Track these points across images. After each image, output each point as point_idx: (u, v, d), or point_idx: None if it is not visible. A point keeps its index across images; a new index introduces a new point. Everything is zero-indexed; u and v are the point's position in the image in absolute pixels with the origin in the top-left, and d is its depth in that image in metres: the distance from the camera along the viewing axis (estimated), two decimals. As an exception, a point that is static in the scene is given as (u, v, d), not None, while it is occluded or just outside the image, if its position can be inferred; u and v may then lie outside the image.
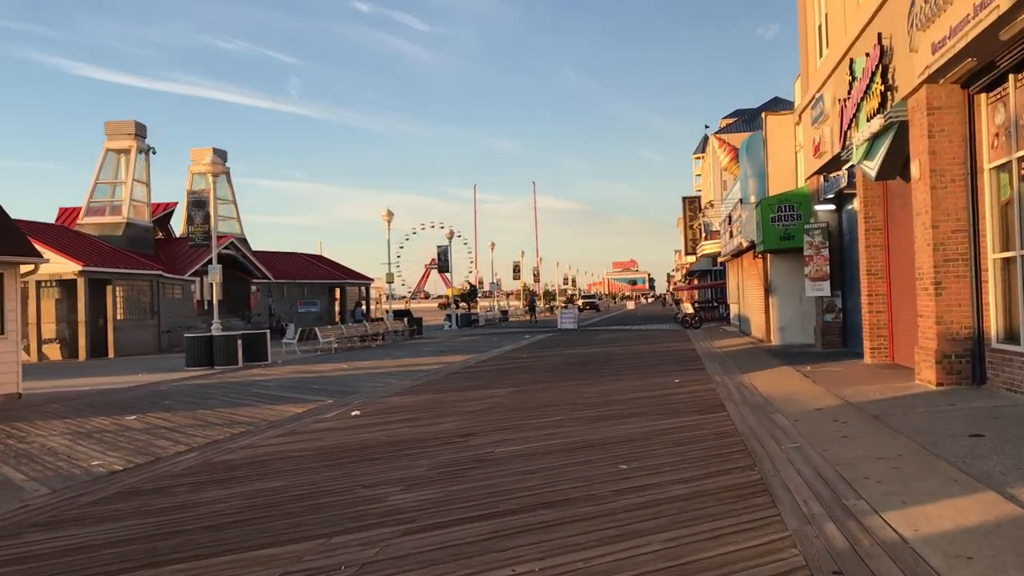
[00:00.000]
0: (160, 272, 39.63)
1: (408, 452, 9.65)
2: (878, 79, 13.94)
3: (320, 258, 64.69)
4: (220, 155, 52.51)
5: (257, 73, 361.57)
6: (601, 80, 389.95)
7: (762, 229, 22.83)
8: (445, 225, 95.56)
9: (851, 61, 15.75)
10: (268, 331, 27.14)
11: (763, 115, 24.81)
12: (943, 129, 12.24)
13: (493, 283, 69.17)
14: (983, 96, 11.88)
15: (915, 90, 12.56)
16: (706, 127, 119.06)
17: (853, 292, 20.27)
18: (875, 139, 14.69)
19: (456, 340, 37.35)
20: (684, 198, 62.77)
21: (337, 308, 60.79)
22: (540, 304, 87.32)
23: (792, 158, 24.64)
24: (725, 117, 64.49)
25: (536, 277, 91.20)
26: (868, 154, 15.10)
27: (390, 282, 43.34)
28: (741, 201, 25.73)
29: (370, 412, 13.43)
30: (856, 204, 17.56)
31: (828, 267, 21.03)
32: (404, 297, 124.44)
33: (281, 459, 9.62)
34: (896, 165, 14.68)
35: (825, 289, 21.12)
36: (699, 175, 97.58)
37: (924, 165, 12.48)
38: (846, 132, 16.39)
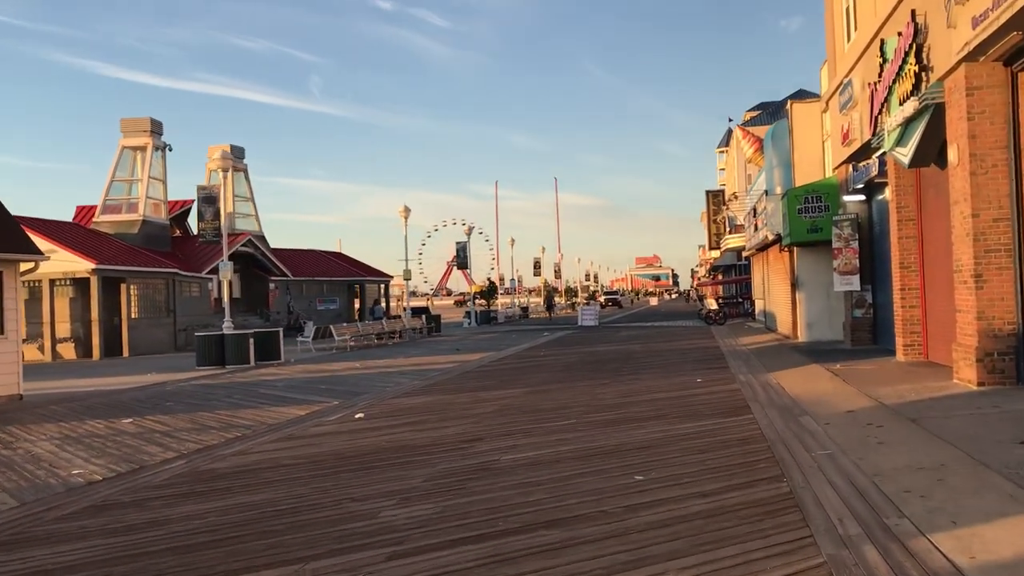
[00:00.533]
0: (176, 270, 39.29)
1: (407, 460, 8.98)
2: (912, 59, 13.10)
3: (339, 255, 64.34)
4: (237, 152, 52.26)
5: (279, 71, 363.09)
6: (623, 75, 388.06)
7: (788, 221, 21.98)
8: (466, 222, 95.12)
9: (882, 42, 14.91)
10: (281, 329, 26.62)
11: (789, 103, 23.94)
12: (983, 111, 11.40)
13: (513, 279, 68.45)
14: (1028, 74, 11.05)
15: (952, 69, 11.73)
16: (730, 120, 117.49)
17: (884, 287, 19.42)
18: (908, 124, 13.85)
19: (474, 338, 36.71)
20: (708, 192, 61.75)
21: (357, 305, 60.41)
22: (561, 300, 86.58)
23: (819, 148, 23.75)
24: (749, 110, 63.41)
25: (557, 273, 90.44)
26: (901, 140, 14.26)
27: (408, 279, 42.68)
28: (766, 192, 24.87)
29: (375, 415, 12.78)
30: (887, 194, 16.71)
31: (858, 260, 20.16)
32: (427, 294, 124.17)
33: (271, 468, 8.98)
34: (931, 151, 13.83)
35: (855, 283, 20.26)
36: (723, 169, 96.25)
37: (963, 150, 11.65)
38: (877, 117, 15.55)
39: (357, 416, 12.58)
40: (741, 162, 46.04)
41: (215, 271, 46.23)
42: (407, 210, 41.33)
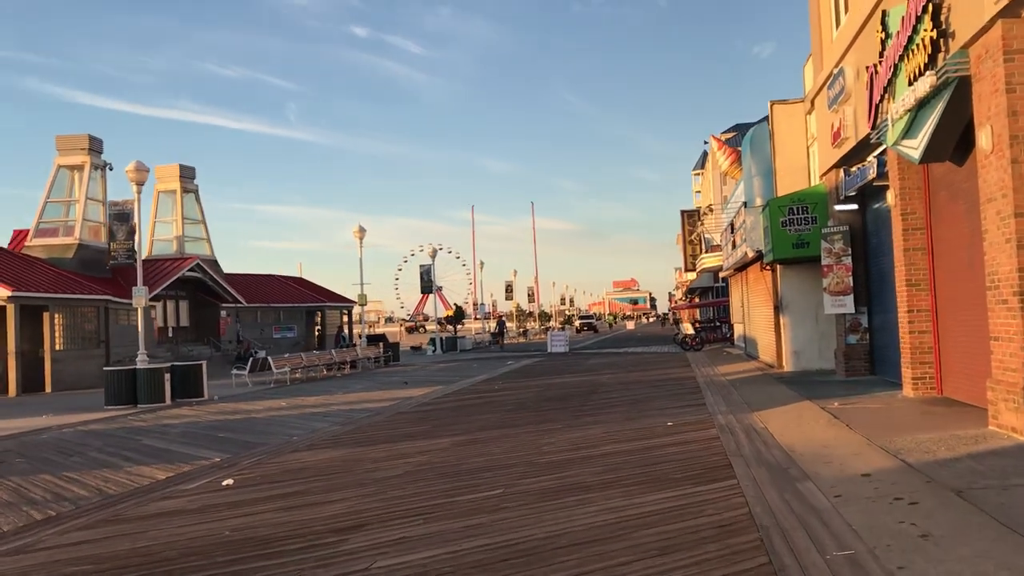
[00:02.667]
0: (109, 297, 36.17)
1: (237, 568, 6.18)
2: (926, 24, 10.55)
3: (300, 280, 61.33)
4: (188, 172, 49.52)
5: (255, 98, 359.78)
6: (597, 101, 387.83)
7: (771, 235, 19.40)
8: (441, 246, 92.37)
9: (883, 14, 12.39)
10: (205, 363, 23.67)
11: (769, 104, 21.45)
12: (1027, 80, 8.86)
13: (482, 304, 65.66)
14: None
15: (983, 31, 9.20)
16: (705, 143, 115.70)
17: (882, 308, 16.86)
18: (920, 109, 11.31)
19: (432, 368, 33.86)
20: (683, 211, 59.33)
21: (318, 332, 57.40)
22: (535, 325, 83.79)
23: (803, 153, 21.26)
24: (724, 131, 61.20)
25: (531, 298, 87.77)
26: (909, 130, 11.71)
27: (363, 304, 39.87)
28: (745, 205, 22.33)
29: (250, 480, 9.95)
30: (889, 199, 14.16)
31: (851, 278, 17.60)
32: (403, 320, 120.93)
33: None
34: (948, 141, 11.29)
35: (848, 305, 17.68)
36: (699, 191, 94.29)
37: (999, 132, 9.08)
38: (877, 106, 13.01)
39: (225, 483, 9.73)
40: (717, 178, 43.73)
41: (160, 298, 43.37)
42: (362, 230, 38.61)
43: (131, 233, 25.64)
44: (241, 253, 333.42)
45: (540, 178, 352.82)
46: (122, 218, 27.25)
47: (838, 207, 17.84)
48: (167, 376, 21.90)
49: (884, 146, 14.16)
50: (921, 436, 9.70)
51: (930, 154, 11.40)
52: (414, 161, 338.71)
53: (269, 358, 28.28)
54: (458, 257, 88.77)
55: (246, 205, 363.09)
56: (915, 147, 11.45)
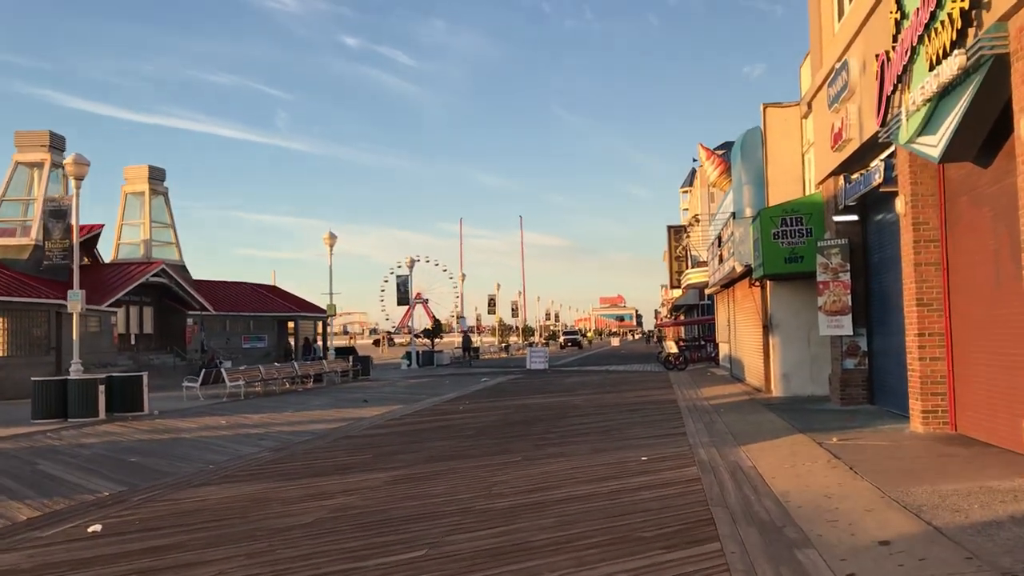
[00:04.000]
0: (61, 301, 34.13)
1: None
2: (954, -5, 8.91)
3: (273, 289, 59.25)
4: (157, 173, 47.69)
5: (245, 107, 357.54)
6: (587, 117, 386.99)
7: (761, 248, 17.74)
8: (429, 258, 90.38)
9: (898, -7, 10.77)
10: (145, 375, 21.73)
11: (762, 108, 19.82)
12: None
13: (462, 318, 63.83)
14: None
15: (1028, -3, 7.57)
16: (694, 160, 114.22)
17: (884, 330, 15.22)
18: (941, 98, 9.68)
19: (401, 383, 32.01)
20: (669, 227, 57.79)
21: (292, 343, 55.44)
22: (518, 340, 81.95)
23: (798, 162, 19.64)
24: (715, 149, 59.77)
25: (515, 312, 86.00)
26: (927, 125, 10.08)
27: (331, 314, 37.98)
28: (734, 215, 20.65)
29: (121, 526, 8.14)
30: (898, 207, 12.49)
31: (850, 297, 15.96)
32: (388, 332, 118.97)
33: None
34: (976, 136, 9.65)
35: (845, 326, 16.03)
36: (687, 209, 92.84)
37: (1048, 118, 7.43)
38: (888, 98, 11.38)
39: (91, 530, 7.90)
40: (706, 194, 42.25)
41: (121, 303, 41.37)
42: (332, 237, 36.81)
43: (67, 231, 23.70)
44: (227, 261, 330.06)
45: (530, 192, 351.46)
46: (58, 215, 25.34)
47: (836, 218, 16.20)
48: (101, 388, 20.00)
49: (893, 147, 12.56)
50: (945, 487, 7.99)
51: (952, 152, 9.76)
52: (404, 172, 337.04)
53: (223, 370, 26.37)
54: (445, 270, 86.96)
55: (234, 213, 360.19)
56: (934, 144, 9.82)
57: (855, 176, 15.21)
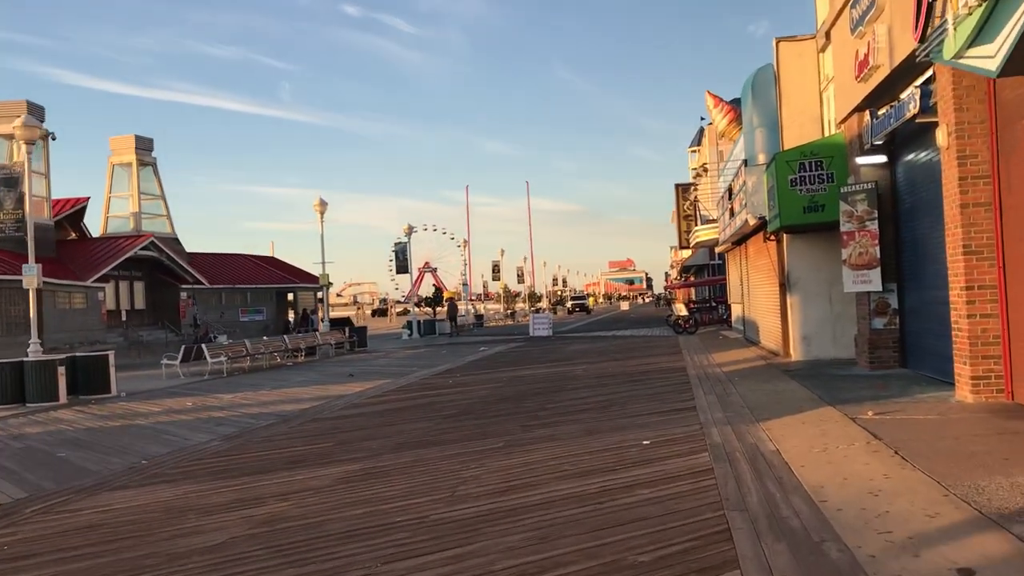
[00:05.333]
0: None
1: None
2: None
3: (271, 260, 57.64)
4: (144, 143, 45.99)
5: (248, 78, 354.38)
6: (593, 79, 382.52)
7: (777, 197, 15.94)
8: (436, 226, 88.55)
9: None
10: (112, 353, 20.12)
11: (774, 43, 17.88)
12: None
13: (465, 285, 62.10)
14: None
15: None
16: (702, 119, 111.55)
17: (918, 284, 13.47)
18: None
19: (397, 355, 30.39)
20: (677, 185, 55.75)
21: (292, 315, 53.92)
22: (524, 306, 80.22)
23: (815, 100, 17.75)
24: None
25: (520, 278, 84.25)
26: (981, 33, 8.24)
27: (326, 284, 36.33)
28: (745, 163, 18.80)
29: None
30: (939, 139, 10.63)
31: (878, 248, 14.19)
32: (397, 301, 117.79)
33: None
34: (1046, 41, 7.81)
35: (874, 281, 14.28)
36: (695, 168, 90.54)
37: None
38: (931, 5, 9.51)
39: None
40: (715, 150, 40.22)
41: (107, 278, 39.81)
42: (323, 203, 35.04)
43: (20, 201, 22.04)
44: (235, 235, 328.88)
45: (537, 158, 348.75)
46: (9, 183, 23.58)
47: (862, 160, 14.37)
48: (61, 370, 18.42)
49: (931, 71, 10.74)
50: (1021, 478, 6.30)
51: (1014, 64, 7.96)
52: (407, 141, 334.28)
53: (204, 347, 24.78)
54: (452, 237, 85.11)
55: (241, 187, 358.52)
56: (991, 55, 8.00)
57: (883, 110, 13.36)
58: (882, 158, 14.16)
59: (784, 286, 18.13)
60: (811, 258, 17.37)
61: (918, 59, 9.99)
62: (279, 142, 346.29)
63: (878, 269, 14.22)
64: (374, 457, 9.57)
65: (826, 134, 17.01)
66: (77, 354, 20.63)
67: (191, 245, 50.99)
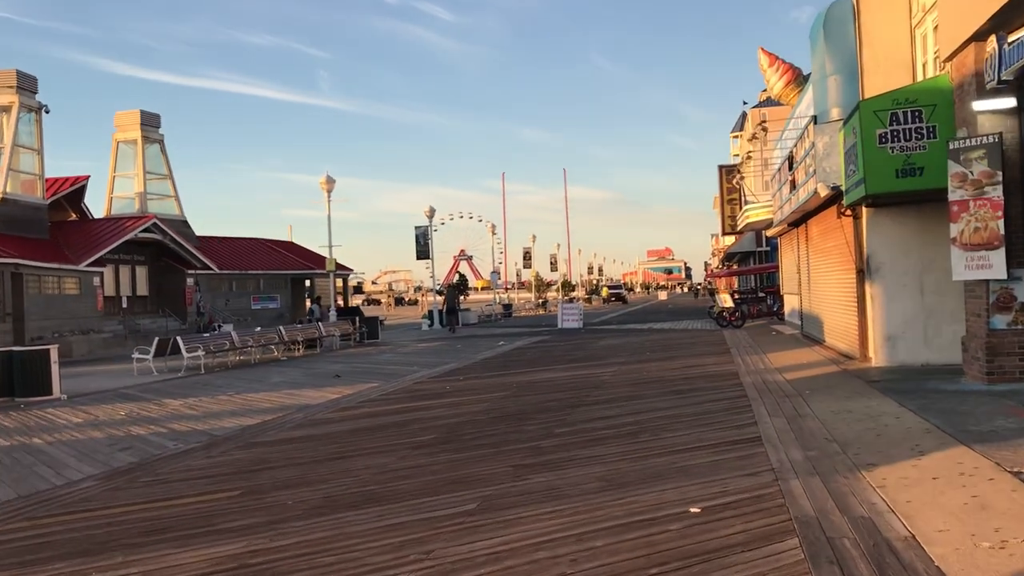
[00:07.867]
0: (18, 260, 29.86)
1: None
2: None
3: (289, 245, 54.70)
4: (151, 119, 43.19)
5: (286, 67, 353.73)
6: (632, 67, 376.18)
7: (861, 158, 12.34)
8: (472, 214, 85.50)
9: None
10: (53, 348, 17.08)
11: (853, -33, 14.23)
12: None
13: (494, 273, 58.72)
14: None
15: None
16: (744, 103, 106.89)
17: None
18: None
19: (407, 348, 27.18)
20: (721, 167, 51.75)
21: (308, 303, 50.99)
22: (557, 296, 76.70)
23: (906, 39, 14.12)
24: (764, 90, 53.31)
25: (553, 266, 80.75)
26: None
27: (332, 270, 33.19)
28: (815, 120, 15.20)
29: None
30: None
31: (1001, 223, 10.63)
32: (433, 290, 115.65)
33: None
34: None
35: (995, 266, 10.72)
36: (737, 155, 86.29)
37: None
38: None
39: None
40: (758, 127, 36.41)
41: (102, 262, 37.04)
42: (330, 181, 31.94)
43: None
44: (277, 222, 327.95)
45: (574, 146, 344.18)
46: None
47: (981, 104, 10.76)
48: (-11, 369, 15.45)
49: None
50: None
51: None
52: (446, 129, 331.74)
53: (179, 339, 21.69)
54: (480, 220, 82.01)
55: (279, 174, 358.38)
56: None
57: (1016, 34, 9.78)
58: (1011, 101, 10.54)
59: (863, 273, 14.54)
60: (899, 239, 13.78)
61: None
62: (314, 130, 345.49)
63: (1002, 250, 10.65)
64: (276, 525, 6.28)
65: (922, 77, 13.39)
66: (15, 348, 17.63)
67: (231, 233, 48.15)
